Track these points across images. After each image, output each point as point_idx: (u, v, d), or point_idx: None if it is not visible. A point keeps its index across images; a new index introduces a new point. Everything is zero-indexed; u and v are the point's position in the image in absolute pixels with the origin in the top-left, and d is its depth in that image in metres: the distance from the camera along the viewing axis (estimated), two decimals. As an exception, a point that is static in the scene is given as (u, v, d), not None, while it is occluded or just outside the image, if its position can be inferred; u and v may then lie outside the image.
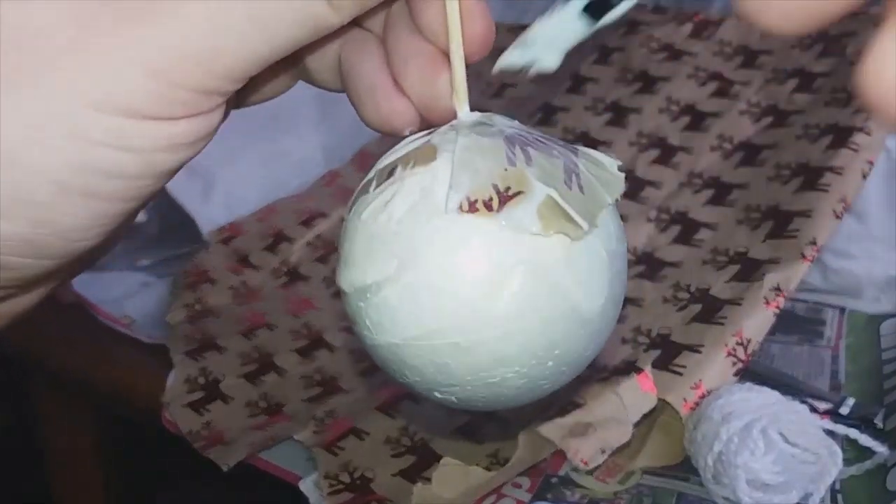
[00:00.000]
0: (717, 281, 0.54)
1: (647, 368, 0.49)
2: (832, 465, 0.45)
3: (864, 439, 0.48)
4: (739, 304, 0.51)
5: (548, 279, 0.24)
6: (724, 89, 0.67)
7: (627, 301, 0.56)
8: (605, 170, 0.26)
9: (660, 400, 0.48)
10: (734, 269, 0.54)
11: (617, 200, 0.26)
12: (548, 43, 0.22)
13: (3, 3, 0.21)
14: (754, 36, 0.70)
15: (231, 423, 0.56)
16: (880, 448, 0.47)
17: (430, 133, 0.26)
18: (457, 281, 0.24)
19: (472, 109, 0.26)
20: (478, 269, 0.24)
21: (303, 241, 0.72)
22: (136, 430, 0.72)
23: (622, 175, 0.26)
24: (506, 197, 0.24)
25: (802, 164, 0.58)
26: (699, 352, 0.50)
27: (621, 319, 0.55)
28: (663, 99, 0.69)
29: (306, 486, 0.50)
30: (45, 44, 0.21)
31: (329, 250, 0.72)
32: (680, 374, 0.49)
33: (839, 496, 0.46)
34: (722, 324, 0.50)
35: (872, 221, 0.60)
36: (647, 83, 0.71)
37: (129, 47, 0.22)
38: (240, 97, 0.29)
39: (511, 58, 0.24)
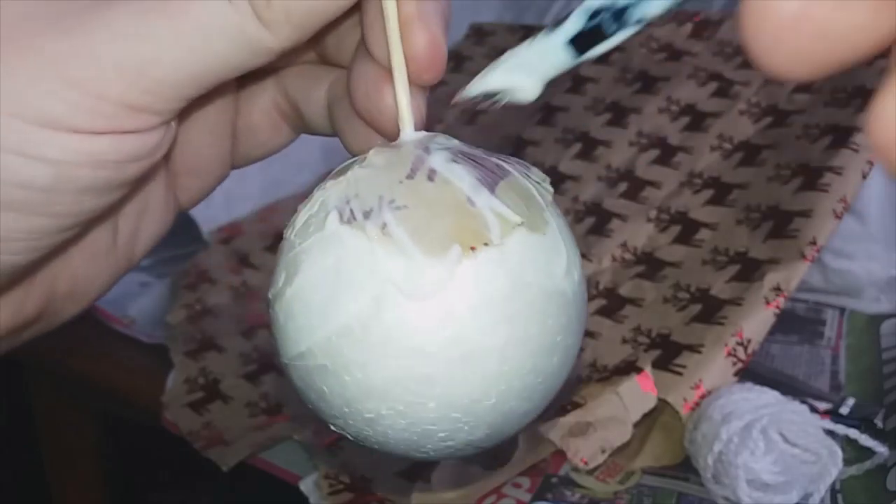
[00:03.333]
0: (717, 281, 0.54)
1: (647, 368, 0.49)
2: (832, 465, 0.45)
3: (864, 439, 0.48)
4: (739, 304, 0.51)
5: (416, 306, 0.21)
6: (724, 89, 0.67)
7: (627, 301, 0.56)
8: (538, 189, 0.23)
9: (660, 400, 0.48)
10: (734, 269, 0.54)
11: (546, 221, 0.23)
12: (528, 70, 0.20)
13: None
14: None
15: (231, 423, 0.56)
16: (880, 448, 0.47)
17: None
18: (322, 296, 0.22)
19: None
20: (337, 288, 0.21)
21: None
22: (136, 430, 0.72)
23: (550, 190, 0.24)
24: (387, 209, 0.22)
25: (802, 164, 0.58)
26: (699, 352, 0.50)
27: (621, 319, 0.55)
28: (663, 99, 0.69)
29: (306, 486, 0.50)
30: None
31: (329, 250, 0.72)
32: (680, 374, 0.49)
33: (839, 496, 0.46)
34: (722, 324, 0.50)
35: (872, 221, 0.60)
36: (647, 83, 0.70)
37: (48, 56, 0.21)
38: (240, 151, 0.29)
39: (484, 83, 0.22)
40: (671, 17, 0.75)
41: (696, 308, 0.53)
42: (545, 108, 0.73)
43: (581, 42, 0.19)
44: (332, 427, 0.24)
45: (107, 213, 0.25)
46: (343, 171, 0.23)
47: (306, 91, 0.27)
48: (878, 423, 0.50)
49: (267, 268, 0.71)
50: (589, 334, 0.55)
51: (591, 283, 0.59)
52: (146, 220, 0.27)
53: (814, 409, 0.49)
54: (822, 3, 0.14)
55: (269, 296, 0.23)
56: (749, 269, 0.53)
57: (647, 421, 0.49)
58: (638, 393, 0.48)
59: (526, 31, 0.84)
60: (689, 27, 0.73)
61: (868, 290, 0.60)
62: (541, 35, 0.20)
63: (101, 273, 0.27)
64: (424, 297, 0.21)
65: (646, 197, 0.63)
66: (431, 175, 0.22)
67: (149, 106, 0.22)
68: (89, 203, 0.22)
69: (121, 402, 0.66)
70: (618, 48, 0.73)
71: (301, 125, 0.29)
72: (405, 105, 0.24)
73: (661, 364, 0.50)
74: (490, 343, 0.22)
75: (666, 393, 0.48)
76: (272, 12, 0.21)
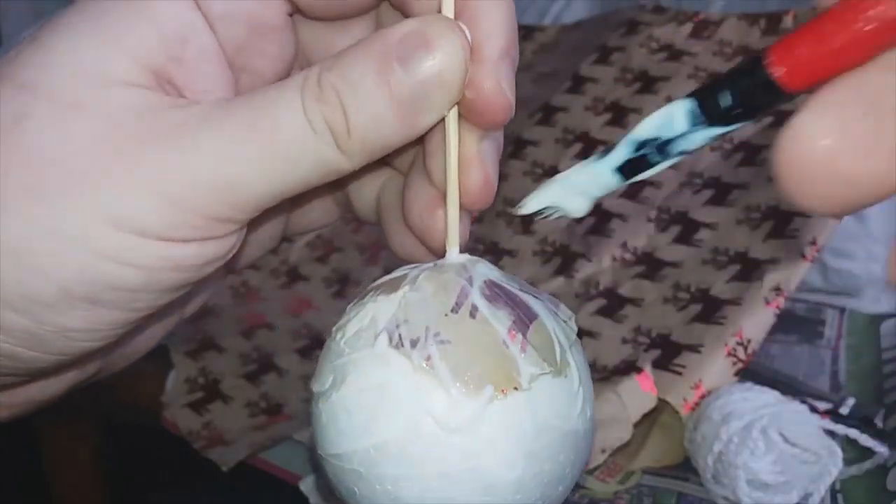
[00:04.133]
0: (717, 281, 0.54)
1: (647, 368, 0.49)
2: (832, 465, 0.45)
3: (864, 439, 0.48)
4: (739, 304, 0.51)
5: (448, 437, 0.24)
6: (724, 89, 0.67)
7: (627, 301, 0.56)
8: (564, 328, 0.26)
9: (660, 400, 0.48)
10: (734, 269, 0.54)
11: (569, 362, 0.25)
12: (578, 190, 0.23)
13: (41, 123, 0.23)
14: (754, 36, 0.70)
15: (231, 423, 0.56)
16: (880, 448, 0.47)
17: (414, 267, 0.26)
18: (363, 411, 0.24)
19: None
20: (380, 406, 0.24)
21: (303, 241, 0.72)
22: (136, 431, 0.71)
23: (574, 329, 0.26)
24: (432, 342, 0.24)
25: (802, 164, 0.58)
26: (699, 352, 0.50)
27: (621, 319, 0.55)
28: (663, 99, 0.69)
29: (306, 486, 0.50)
30: (72, 163, 0.23)
31: (329, 250, 0.72)
32: (680, 374, 0.49)
33: (839, 496, 0.46)
34: (722, 324, 0.50)
35: (872, 221, 0.60)
36: (647, 83, 0.71)
37: (147, 172, 0.23)
38: (291, 227, 0.31)
39: (539, 200, 0.24)
40: (671, 16, 0.75)
41: (696, 308, 0.53)
42: (545, 108, 0.73)
43: (627, 168, 0.21)
44: None
45: (178, 302, 0.27)
46: (394, 287, 0.25)
47: (360, 186, 0.30)
48: (878, 423, 0.50)
49: (267, 267, 0.71)
50: (589, 334, 0.55)
51: (591, 283, 0.59)
52: (199, 288, 0.29)
53: (814, 409, 0.49)
54: (848, 153, 0.16)
55: (314, 390, 0.25)
56: (749, 269, 0.53)
57: (647, 421, 0.49)
58: (638, 393, 0.48)
59: (526, 31, 0.84)
60: (689, 27, 0.73)
61: (868, 290, 0.60)
62: (592, 159, 0.22)
63: (155, 334, 0.30)
64: (456, 431, 0.24)
65: (646, 197, 0.63)
66: (473, 312, 0.25)
67: (232, 217, 0.24)
68: (167, 298, 0.25)
69: (121, 403, 0.66)
70: (618, 48, 0.73)
71: (350, 211, 0.31)
72: (454, 231, 0.26)
73: (661, 364, 0.50)
74: (509, 476, 0.24)
75: (666, 393, 0.48)
76: (351, 143, 0.24)
